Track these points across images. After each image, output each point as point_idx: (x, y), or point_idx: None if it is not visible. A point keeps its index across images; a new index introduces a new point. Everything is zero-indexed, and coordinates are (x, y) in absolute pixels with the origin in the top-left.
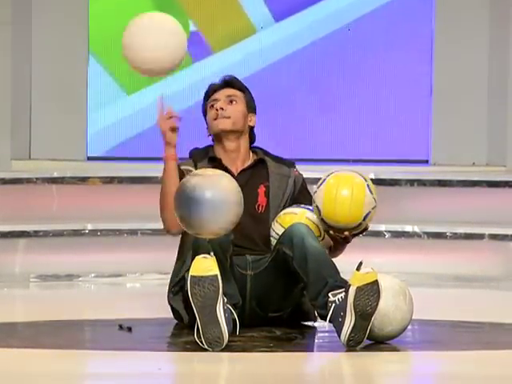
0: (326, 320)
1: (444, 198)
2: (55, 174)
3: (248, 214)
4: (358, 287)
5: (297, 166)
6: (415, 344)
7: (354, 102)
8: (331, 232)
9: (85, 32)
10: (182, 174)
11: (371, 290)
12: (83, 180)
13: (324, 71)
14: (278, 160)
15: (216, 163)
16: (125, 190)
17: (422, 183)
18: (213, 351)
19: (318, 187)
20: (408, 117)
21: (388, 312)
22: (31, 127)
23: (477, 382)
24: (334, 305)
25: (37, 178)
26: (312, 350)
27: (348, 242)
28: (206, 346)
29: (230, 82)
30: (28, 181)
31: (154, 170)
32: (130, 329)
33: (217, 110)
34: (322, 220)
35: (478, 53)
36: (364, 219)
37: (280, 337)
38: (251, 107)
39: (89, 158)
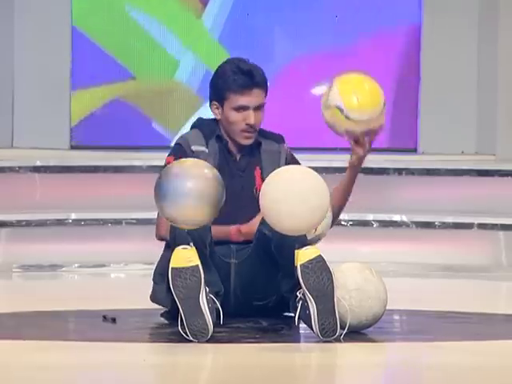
0: (297, 320)
1: (432, 187)
2: (38, 163)
3: (247, 198)
4: (301, 265)
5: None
6: (403, 334)
7: None
8: (354, 141)
9: (68, 19)
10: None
11: (317, 267)
12: (66, 169)
13: (310, 59)
14: (268, 135)
15: (222, 144)
16: (109, 180)
17: (410, 172)
18: (198, 342)
19: (329, 90)
20: (396, 105)
21: (360, 285)
22: (13, 115)
23: (464, 373)
24: (301, 301)
25: (19, 167)
26: (299, 341)
27: (363, 156)
28: (190, 338)
29: (260, 83)
30: (10, 169)
31: (139, 159)
32: (114, 320)
33: (248, 125)
34: (347, 118)
35: (468, 41)
36: (384, 105)
37: (266, 328)
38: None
39: (72, 147)
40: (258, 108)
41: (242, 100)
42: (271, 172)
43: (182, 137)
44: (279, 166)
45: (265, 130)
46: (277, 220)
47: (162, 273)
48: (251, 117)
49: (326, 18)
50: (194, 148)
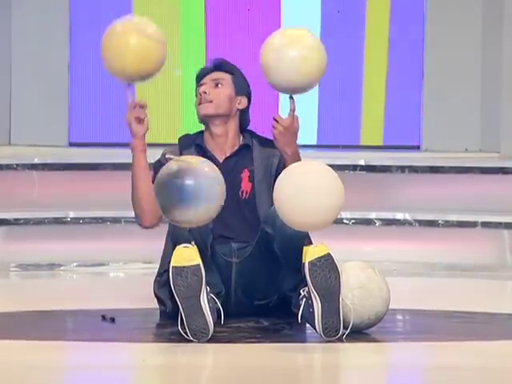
0: (299, 319)
1: (436, 184)
2: (36, 161)
3: (231, 201)
4: (309, 262)
5: None
6: (405, 334)
7: (344, 86)
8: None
9: (66, 16)
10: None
11: (326, 265)
12: (65, 166)
13: None
14: (265, 142)
15: (201, 151)
16: (108, 177)
17: (413, 170)
18: (198, 342)
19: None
20: (399, 102)
21: (363, 284)
22: (11, 112)
23: (468, 374)
24: (304, 299)
25: (17, 165)
26: (301, 341)
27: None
28: (191, 338)
29: (218, 66)
30: (8, 167)
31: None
32: (113, 319)
33: (200, 94)
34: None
35: (472, 36)
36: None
37: (267, 327)
38: (241, 90)
39: (71, 144)
40: (217, 85)
41: (201, 81)
42: (263, 174)
43: (161, 155)
44: (271, 169)
45: (264, 136)
46: (299, 213)
47: (158, 280)
48: (202, 87)
49: (330, 12)
50: (166, 155)
